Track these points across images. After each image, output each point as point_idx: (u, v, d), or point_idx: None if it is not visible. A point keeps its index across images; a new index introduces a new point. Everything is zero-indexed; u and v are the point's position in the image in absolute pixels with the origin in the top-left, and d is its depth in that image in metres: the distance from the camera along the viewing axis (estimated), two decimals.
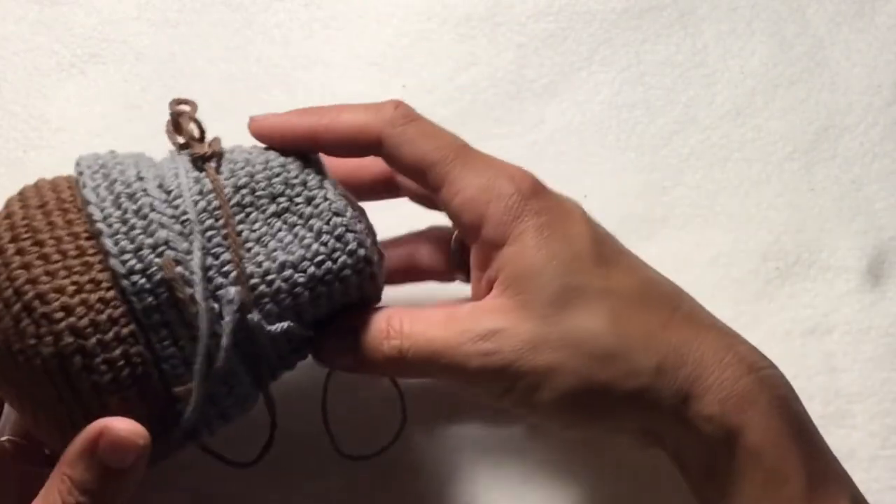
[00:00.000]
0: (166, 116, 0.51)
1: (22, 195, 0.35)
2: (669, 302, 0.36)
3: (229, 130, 0.50)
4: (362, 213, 0.37)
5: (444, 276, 0.42)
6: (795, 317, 0.47)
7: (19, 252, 0.31)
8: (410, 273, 0.42)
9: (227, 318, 0.32)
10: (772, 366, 0.36)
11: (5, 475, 0.37)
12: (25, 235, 0.32)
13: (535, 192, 0.36)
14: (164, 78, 0.52)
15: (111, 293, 0.31)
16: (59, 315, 0.30)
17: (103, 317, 0.31)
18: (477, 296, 0.37)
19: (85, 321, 0.31)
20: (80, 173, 0.35)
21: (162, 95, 0.51)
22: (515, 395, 0.34)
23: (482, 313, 0.35)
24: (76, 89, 0.51)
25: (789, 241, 0.49)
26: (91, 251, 0.32)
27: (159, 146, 0.49)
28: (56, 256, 0.31)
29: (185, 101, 0.37)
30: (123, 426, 0.31)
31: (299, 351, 0.36)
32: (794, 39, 0.54)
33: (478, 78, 0.52)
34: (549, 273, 0.34)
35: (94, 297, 0.31)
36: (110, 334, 0.31)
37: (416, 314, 0.35)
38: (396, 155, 0.36)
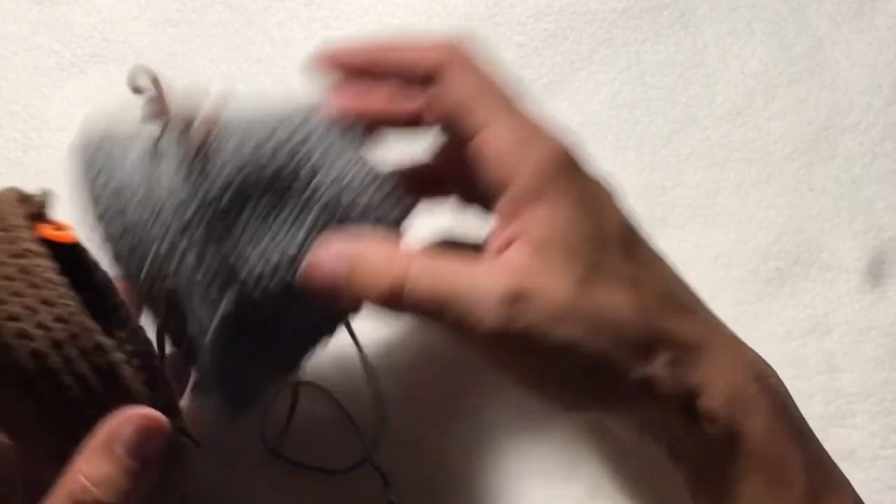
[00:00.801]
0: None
1: None
2: (689, 302, 0.37)
3: None
4: (385, 181, 0.35)
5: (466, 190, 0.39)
6: (795, 317, 0.47)
7: None
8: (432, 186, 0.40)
9: (208, 339, 0.32)
10: (775, 375, 0.36)
11: (8, 479, 0.36)
12: None
13: (576, 164, 0.36)
14: (164, 78, 0.51)
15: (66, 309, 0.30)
16: (16, 342, 0.29)
17: (63, 335, 0.29)
18: (493, 247, 0.35)
19: (44, 343, 0.29)
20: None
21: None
22: (527, 365, 0.33)
23: (506, 272, 0.33)
24: (76, 89, 0.51)
25: (789, 240, 0.49)
26: (38, 269, 0.30)
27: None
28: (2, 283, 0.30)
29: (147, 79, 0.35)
30: (147, 412, 0.30)
31: (314, 336, 0.36)
32: (794, 39, 0.54)
33: None
34: (581, 249, 0.34)
35: (48, 316, 0.29)
36: (73, 351, 0.30)
37: (428, 253, 0.34)
38: (448, 92, 0.35)
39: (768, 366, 0.36)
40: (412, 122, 0.37)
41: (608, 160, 0.50)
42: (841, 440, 0.44)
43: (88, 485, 0.29)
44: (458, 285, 0.32)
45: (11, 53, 0.52)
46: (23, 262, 0.30)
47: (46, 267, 0.30)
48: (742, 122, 0.52)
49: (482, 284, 0.32)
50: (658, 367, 0.33)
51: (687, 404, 0.34)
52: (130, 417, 0.30)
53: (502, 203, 0.34)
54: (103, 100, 0.51)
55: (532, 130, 0.35)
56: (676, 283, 0.37)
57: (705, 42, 0.54)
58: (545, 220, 0.34)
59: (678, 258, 0.48)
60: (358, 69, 0.37)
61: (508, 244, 0.34)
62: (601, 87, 0.53)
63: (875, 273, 0.48)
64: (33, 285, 0.30)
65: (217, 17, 0.53)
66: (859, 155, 0.51)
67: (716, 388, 0.34)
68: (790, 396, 0.36)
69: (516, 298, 0.32)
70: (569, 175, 0.35)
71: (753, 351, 0.37)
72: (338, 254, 0.34)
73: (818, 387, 0.45)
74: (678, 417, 0.34)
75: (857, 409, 0.45)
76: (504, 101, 0.36)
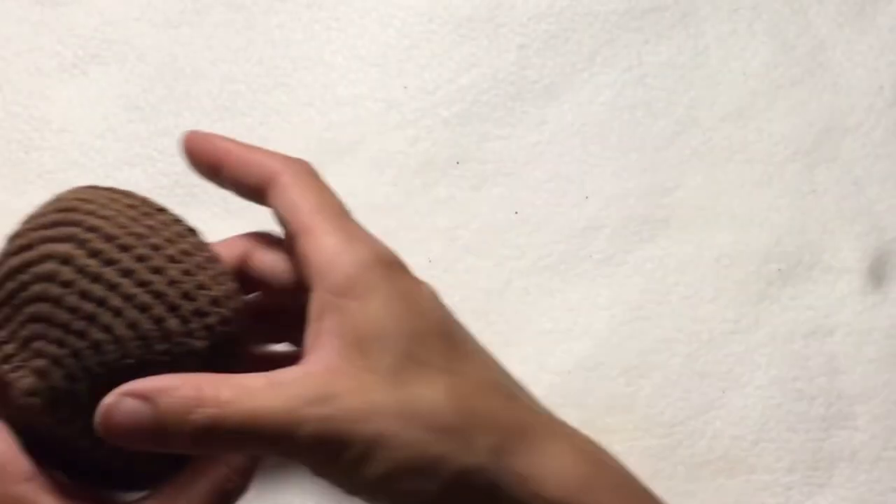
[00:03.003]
0: (168, 117, 0.52)
1: (86, 208, 0.34)
2: (510, 389, 0.36)
3: (230, 131, 0.50)
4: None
5: (284, 289, 0.37)
6: (797, 318, 0.47)
7: (140, 259, 0.33)
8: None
9: None
10: (608, 453, 0.36)
11: None
12: (134, 242, 0.33)
13: (394, 263, 0.35)
14: (165, 79, 0.52)
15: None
16: (210, 308, 0.33)
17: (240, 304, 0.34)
18: (307, 347, 0.33)
19: (230, 310, 0.34)
20: None
21: (164, 96, 0.51)
22: (343, 466, 0.31)
23: (316, 377, 0.31)
24: (78, 90, 0.51)
25: (791, 242, 0.49)
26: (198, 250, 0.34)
27: (160, 147, 0.50)
28: (181, 257, 0.33)
29: None
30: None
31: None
32: (795, 41, 0.54)
33: (479, 79, 0.52)
34: (395, 341, 0.32)
35: (230, 286, 0.34)
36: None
37: (232, 380, 0.31)
38: (282, 196, 0.35)
39: (599, 446, 0.36)
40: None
41: (610, 161, 0.51)
42: (843, 442, 0.44)
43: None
44: (271, 404, 0.30)
45: (13, 54, 0.52)
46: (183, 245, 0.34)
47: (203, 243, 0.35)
48: (744, 124, 0.52)
49: (293, 394, 0.31)
50: (481, 456, 0.32)
51: (518, 491, 0.32)
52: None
53: (315, 299, 0.33)
54: (105, 101, 0.51)
55: (354, 235, 0.34)
56: (500, 373, 0.36)
57: (707, 43, 0.54)
58: (358, 316, 0.32)
59: (680, 260, 0.48)
60: (207, 169, 0.37)
61: (320, 344, 0.33)
62: (602, 89, 0.53)
63: (877, 275, 0.48)
64: (210, 260, 0.35)
65: (218, 18, 0.53)
66: (861, 156, 0.51)
67: (546, 469, 0.33)
68: (629, 472, 0.35)
69: (324, 402, 0.31)
70: (385, 273, 0.34)
71: (583, 434, 0.36)
72: (131, 392, 0.30)
73: (820, 388, 0.45)
74: None
75: (858, 411, 0.45)
76: (332, 210, 0.35)
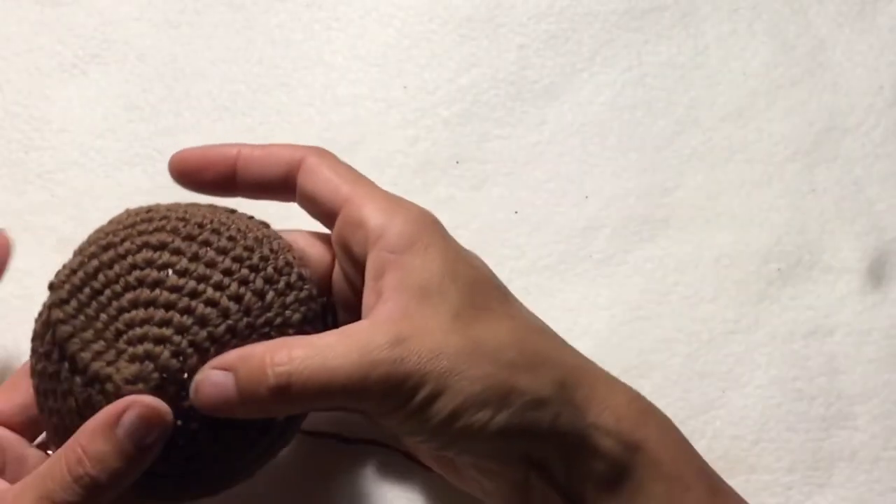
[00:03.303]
0: (168, 117, 0.52)
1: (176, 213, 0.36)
2: (558, 337, 0.37)
3: (230, 131, 0.50)
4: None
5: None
6: (797, 318, 0.47)
7: (231, 238, 0.35)
8: None
9: None
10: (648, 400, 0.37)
11: None
12: (221, 227, 0.35)
13: (438, 221, 0.37)
14: (165, 79, 0.52)
15: None
16: (299, 283, 0.35)
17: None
18: (369, 306, 0.35)
19: (314, 285, 0.37)
20: None
21: (164, 96, 0.51)
22: (416, 406, 0.32)
23: (384, 325, 0.33)
24: (78, 90, 0.51)
25: (791, 242, 0.49)
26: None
27: (160, 146, 0.50)
28: (264, 240, 0.36)
29: None
30: (151, 401, 0.31)
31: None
32: (795, 40, 0.54)
33: (479, 79, 0.52)
34: (456, 289, 0.34)
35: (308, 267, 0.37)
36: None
37: (302, 340, 0.33)
38: (314, 175, 0.37)
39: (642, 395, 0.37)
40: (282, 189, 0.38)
41: (610, 161, 0.51)
42: (842, 442, 0.44)
43: (84, 458, 0.31)
44: (343, 354, 0.32)
45: (13, 54, 0.52)
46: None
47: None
48: (744, 124, 0.52)
49: (364, 342, 0.32)
50: (545, 389, 0.33)
51: (578, 422, 0.34)
52: (135, 403, 0.31)
53: (372, 259, 0.35)
54: (105, 101, 0.51)
55: (395, 198, 0.37)
56: (542, 322, 0.38)
57: (707, 43, 0.54)
58: (417, 267, 0.34)
59: (680, 260, 0.48)
60: (215, 179, 0.38)
61: (380, 297, 0.35)
62: (602, 89, 0.53)
63: (876, 274, 0.48)
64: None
65: (218, 18, 0.53)
66: (861, 156, 0.51)
67: (603, 404, 0.34)
68: (670, 419, 0.37)
69: (396, 342, 0.32)
70: (435, 230, 0.36)
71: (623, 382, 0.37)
72: (218, 365, 0.33)
73: (819, 388, 0.45)
74: (570, 438, 0.34)
75: (858, 411, 0.45)
76: (366, 180, 0.37)
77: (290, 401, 0.32)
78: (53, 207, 0.48)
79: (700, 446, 0.44)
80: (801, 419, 0.45)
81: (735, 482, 0.43)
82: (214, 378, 0.32)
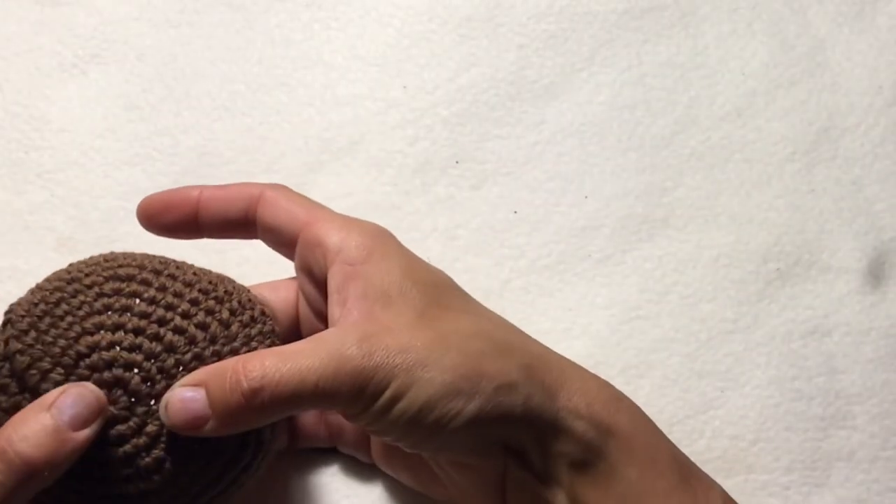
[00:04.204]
0: (168, 117, 0.52)
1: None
2: (523, 332, 0.38)
3: (229, 131, 0.50)
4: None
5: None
6: (796, 318, 0.47)
7: (196, 273, 0.36)
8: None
9: None
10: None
11: None
12: (181, 268, 0.36)
13: (392, 235, 0.38)
14: (165, 79, 0.52)
15: None
16: (262, 318, 0.36)
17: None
18: (334, 317, 0.36)
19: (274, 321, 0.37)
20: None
21: (163, 96, 0.51)
22: (387, 400, 0.33)
23: (351, 326, 0.34)
24: (77, 90, 0.51)
25: (790, 242, 0.49)
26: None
27: (160, 147, 0.50)
28: (220, 282, 0.37)
29: None
30: (90, 387, 0.32)
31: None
32: (794, 40, 0.54)
33: (478, 79, 0.52)
34: (417, 292, 0.35)
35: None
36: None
37: (273, 350, 0.33)
38: (273, 206, 0.38)
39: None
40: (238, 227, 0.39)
41: (609, 161, 0.51)
42: (841, 441, 0.44)
43: (13, 436, 0.30)
44: (313, 356, 0.32)
45: (13, 54, 0.52)
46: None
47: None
48: (743, 124, 0.52)
49: (333, 344, 0.33)
50: (513, 373, 0.34)
51: (549, 405, 0.34)
52: (71, 388, 0.31)
53: (333, 273, 0.36)
54: (105, 101, 0.51)
55: (350, 218, 0.38)
56: (511, 323, 0.39)
57: (706, 43, 0.54)
58: (376, 274, 0.35)
59: (679, 259, 0.48)
60: (178, 220, 0.39)
61: (344, 307, 0.35)
62: (602, 88, 0.53)
63: (875, 274, 0.48)
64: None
65: (218, 17, 0.53)
66: (860, 156, 0.51)
67: (572, 389, 0.35)
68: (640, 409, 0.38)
69: (364, 339, 0.33)
70: (391, 241, 0.38)
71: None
72: (187, 383, 0.33)
73: (818, 388, 0.45)
74: (542, 421, 0.34)
75: (857, 411, 0.45)
76: (320, 206, 0.39)
77: (264, 407, 0.32)
78: (53, 207, 0.48)
79: (699, 446, 0.44)
80: (799, 419, 0.45)
81: (733, 482, 0.43)
82: (185, 394, 0.32)
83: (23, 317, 0.33)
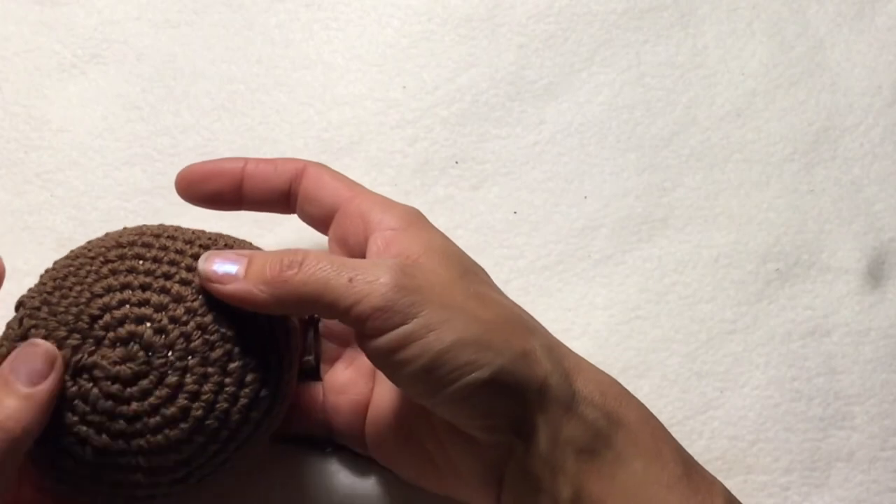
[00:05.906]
0: (167, 117, 0.52)
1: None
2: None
3: (229, 131, 0.50)
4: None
5: None
6: (795, 318, 0.47)
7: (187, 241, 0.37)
8: None
9: None
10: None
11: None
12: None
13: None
14: (164, 78, 0.52)
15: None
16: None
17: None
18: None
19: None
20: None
21: (163, 96, 0.51)
22: (416, 327, 0.33)
23: (394, 260, 0.35)
24: (77, 90, 0.51)
25: (789, 242, 0.49)
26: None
27: (160, 146, 0.50)
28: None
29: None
30: (36, 341, 0.33)
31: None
32: (794, 40, 0.54)
33: (478, 79, 0.52)
34: (453, 259, 0.37)
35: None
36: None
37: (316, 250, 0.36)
38: (316, 181, 0.40)
39: None
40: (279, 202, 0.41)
41: (608, 161, 0.51)
42: (840, 442, 0.45)
43: None
44: (355, 260, 0.34)
45: (12, 54, 0.52)
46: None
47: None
48: (742, 124, 0.52)
49: (375, 262, 0.35)
50: (537, 348, 0.35)
51: (563, 385, 0.35)
52: (17, 350, 0.32)
53: (374, 239, 0.37)
54: (104, 101, 0.51)
55: (390, 199, 0.39)
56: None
57: (705, 43, 0.54)
58: (418, 238, 0.37)
59: (678, 259, 0.48)
60: (220, 190, 0.40)
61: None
62: (601, 88, 0.53)
63: (875, 274, 0.48)
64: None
65: (217, 17, 0.53)
66: (859, 156, 0.51)
67: (587, 378, 0.36)
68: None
69: (410, 265, 0.35)
70: (428, 222, 0.39)
71: None
72: (231, 255, 0.35)
73: (817, 388, 0.46)
74: (556, 399, 0.34)
75: (856, 411, 0.45)
76: (361, 185, 0.40)
77: (296, 282, 0.33)
78: (53, 207, 0.48)
79: (698, 446, 0.44)
80: (798, 419, 0.45)
81: (733, 482, 0.43)
82: (229, 255, 0.35)
83: (33, 297, 0.35)
